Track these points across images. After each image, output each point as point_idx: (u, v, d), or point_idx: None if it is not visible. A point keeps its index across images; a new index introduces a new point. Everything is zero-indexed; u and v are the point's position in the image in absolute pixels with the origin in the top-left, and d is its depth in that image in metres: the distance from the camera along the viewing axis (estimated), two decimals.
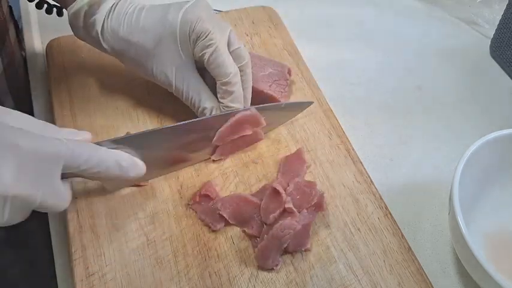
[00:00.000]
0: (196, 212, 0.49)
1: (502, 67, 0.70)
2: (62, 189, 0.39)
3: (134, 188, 0.50)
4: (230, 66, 0.50)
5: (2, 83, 0.58)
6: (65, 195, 0.40)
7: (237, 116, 0.51)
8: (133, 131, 0.54)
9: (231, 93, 0.51)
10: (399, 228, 0.49)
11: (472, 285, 0.48)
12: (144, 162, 0.46)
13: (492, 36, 0.71)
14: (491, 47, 0.72)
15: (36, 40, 0.67)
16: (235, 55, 0.52)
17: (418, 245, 0.51)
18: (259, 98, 0.57)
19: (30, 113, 0.60)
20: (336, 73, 0.67)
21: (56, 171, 0.38)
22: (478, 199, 0.51)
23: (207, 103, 0.52)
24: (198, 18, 0.49)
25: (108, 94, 0.58)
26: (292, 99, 0.59)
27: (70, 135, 0.41)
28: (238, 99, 0.52)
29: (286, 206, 0.46)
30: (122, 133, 0.54)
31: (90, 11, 0.50)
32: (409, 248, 0.48)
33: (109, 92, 0.58)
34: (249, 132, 0.52)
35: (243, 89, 0.52)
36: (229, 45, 0.52)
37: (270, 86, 0.57)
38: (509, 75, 0.69)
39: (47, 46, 0.62)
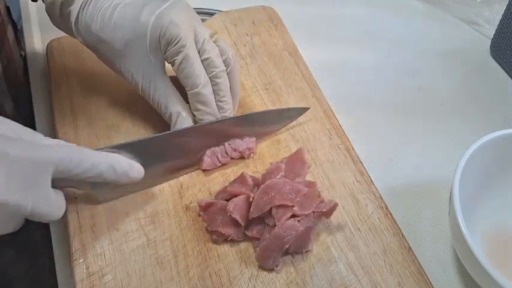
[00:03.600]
0: (199, 215, 0.49)
1: (502, 67, 0.70)
2: (53, 198, 0.38)
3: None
4: (199, 77, 0.49)
5: (1, 84, 0.58)
6: (58, 203, 0.39)
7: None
8: (133, 130, 0.55)
9: (201, 103, 0.50)
10: (399, 228, 0.49)
11: (472, 285, 0.48)
12: (144, 168, 0.44)
13: (492, 36, 0.71)
14: (491, 47, 0.72)
15: (36, 40, 0.67)
16: (206, 64, 0.50)
17: (418, 245, 0.51)
18: None
19: (30, 113, 0.60)
20: (336, 73, 0.67)
21: (46, 178, 0.37)
22: (478, 199, 0.51)
23: (173, 108, 0.51)
24: (170, 23, 0.47)
25: (108, 93, 0.58)
26: (292, 98, 0.59)
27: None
28: (210, 111, 0.50)
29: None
30: (122, 132, 0.54)
31: (67, 1, 0.50)
32: (409, 248, 0.48)
33: (109, 91, 0.58)
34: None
35: (218, 101, 0.51)
36: (200, 53, 0.50)
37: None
38: (509, 75, 0.69)
39: (47, 46, 0.62)
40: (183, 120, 0.51)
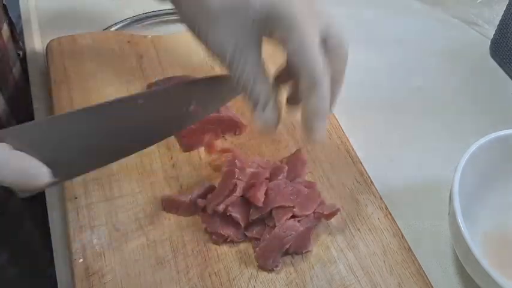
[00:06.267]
0: (201, 215, 0.49)
1: (502, 67, 0.70)
2: None
3: (135, 188, 0.50)
4: (318, 62, 0.40)
5: None
6: None
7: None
8: None
9: (321, 98, 0.41)
10: (399, 229, 0.49)
11: (472, 286, 0.48)
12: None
13: (492, 36, 0.71)
14: (491, 47, 0.72)
15: (36, 40, 0.67)
16: (331, 52, 0.42)
17: (418, 245, 0.51)
18: None
19: (30, 113, 0.60)
20: None
21: None
22: (478, 199, 0.51)
23: (263, 89, 0.42)
24: None
25: (108, 94, 0.58)
26: None
27: None
28: (325, 107, 0.42)
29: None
30: None
31: None
32: (409, 249, 0.48)
33: (109, 92, 0.58)
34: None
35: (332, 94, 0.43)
36: (327, 37, 0.42)
37: None
38: (509, 75, 0.69)
39: (47, 46, 0.62)
40: (269, 108, 0.42)
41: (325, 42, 0.42)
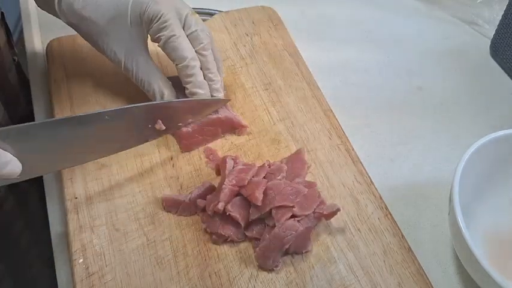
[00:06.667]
0: (200, 217, 0.49)
1: (502, 67, 0.70)
2: None
3: (135, 188, 0.50)
4: (186, 50, 0.50)
5: None
6: None
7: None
8: None
9: (191, 76, 0.51)
10: (399, 229, 0.49)
11: (472, 285, 0.48)
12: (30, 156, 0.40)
13: (492, 36, 0.71)
14: (491, 47, 0.72)
15: (36, 40, 0.67)
16: (192, 38, 0.52)
17: (418, 245, 0.51)
18: None
19: (26, 115, 0.60)
20: (336, 73, 0.67)
21: None
22: (478, 199, 0.51)
23: (155, 85, 0.52)
24: (150, 0, 0.49)
25: (108, 94, 0.58)
26: (292, 98, 0.59)
27: None
28: (201, 85, 0.52)
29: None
30: None
31: None
32: (409, 248, 0.48)
33: (109, 92, 0.58)
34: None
35: (207, 73, 0.52)
36: (185, 28, 0.51)
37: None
38: (509, 75, 0.69)
39: (47, 46, 0.62)
40: (165, 98, 0.52)
41: (189, 31, 0.51)
